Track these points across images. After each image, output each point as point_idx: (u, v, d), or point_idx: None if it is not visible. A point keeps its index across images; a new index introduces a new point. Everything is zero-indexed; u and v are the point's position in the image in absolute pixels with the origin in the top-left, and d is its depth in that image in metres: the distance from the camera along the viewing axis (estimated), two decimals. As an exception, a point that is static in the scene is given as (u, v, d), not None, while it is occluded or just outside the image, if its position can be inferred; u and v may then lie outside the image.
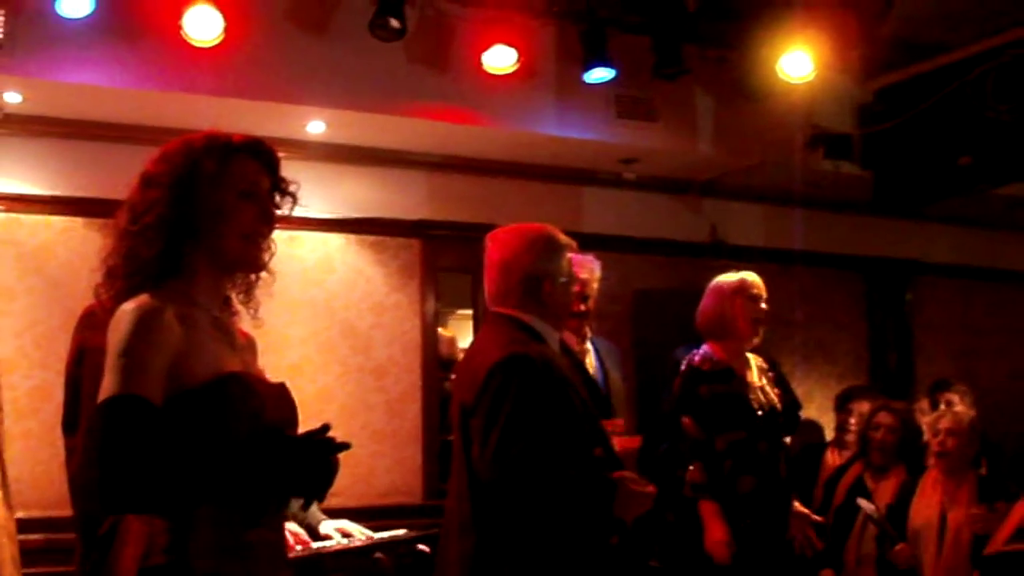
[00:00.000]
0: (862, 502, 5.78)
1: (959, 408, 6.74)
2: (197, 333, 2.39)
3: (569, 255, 3.71)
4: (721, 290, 5.06)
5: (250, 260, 2.54)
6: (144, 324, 2.31)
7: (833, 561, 5.97)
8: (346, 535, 3.80)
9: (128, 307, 2.34)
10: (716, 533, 4.77)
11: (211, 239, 2.48)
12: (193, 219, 2.46)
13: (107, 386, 2.25)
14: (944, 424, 5.66)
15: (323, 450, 2.27)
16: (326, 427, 2.29)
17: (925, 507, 5.61)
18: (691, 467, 4.88)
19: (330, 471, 2.28)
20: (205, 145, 2.51)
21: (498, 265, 3.67)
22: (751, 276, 5.08)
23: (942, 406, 7.06)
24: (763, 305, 5.01)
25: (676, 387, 5.09)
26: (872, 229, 9.44)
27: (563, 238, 3.72)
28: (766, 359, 5.24)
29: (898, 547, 5.55)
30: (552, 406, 3.41)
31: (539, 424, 3.35)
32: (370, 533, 3.86)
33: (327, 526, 3.94)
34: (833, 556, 5.96)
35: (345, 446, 2.30)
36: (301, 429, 2.41)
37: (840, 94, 8.01)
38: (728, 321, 5.00)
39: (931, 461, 5.76)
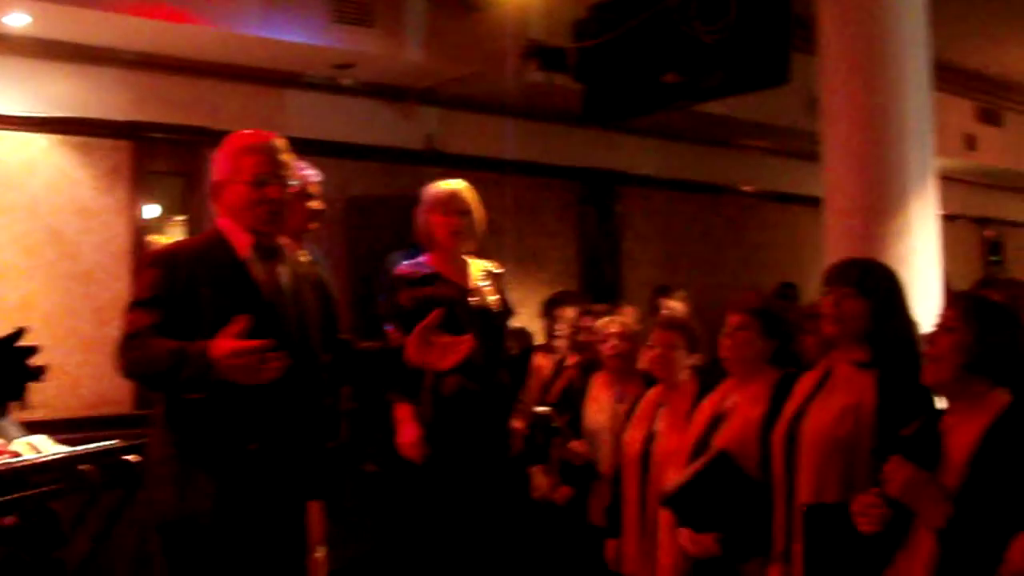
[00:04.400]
0: (537, 409, 6.01)
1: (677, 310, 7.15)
2: None
3: (264, 156, 3.58)
4: (423, 204, 5.14)
5: None
6: None
7: (542, 457, 6.18)
8: (37, 452, 3.68)
9: None
10: (406, 435, 4.94)
11: None
12: None
13: None
14: (614, 328, 5.89)
15: (20, 354, 2.23)
16: (20, 331, 2.24)
17: (598, 410, 5.85)
18: None
19: (28, 375, 2.24)
20: None
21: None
22: (449, 187, 5.11)
23: (663, 310, 7.43)
24: (465, 216, 5.07)
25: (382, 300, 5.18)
26: (583, 141, 9.72)
27: (254, 140, 3.62)
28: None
29: (571, 444, 5.79)
30: (175, 297, 3.43)
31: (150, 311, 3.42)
32: (65, 449, 3.75)
33: (19, 443, 3.79)
34: (542, 453, 6.18)
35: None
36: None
37: (555, 8, 8.09)
38: (429, 234, 5.09)
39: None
